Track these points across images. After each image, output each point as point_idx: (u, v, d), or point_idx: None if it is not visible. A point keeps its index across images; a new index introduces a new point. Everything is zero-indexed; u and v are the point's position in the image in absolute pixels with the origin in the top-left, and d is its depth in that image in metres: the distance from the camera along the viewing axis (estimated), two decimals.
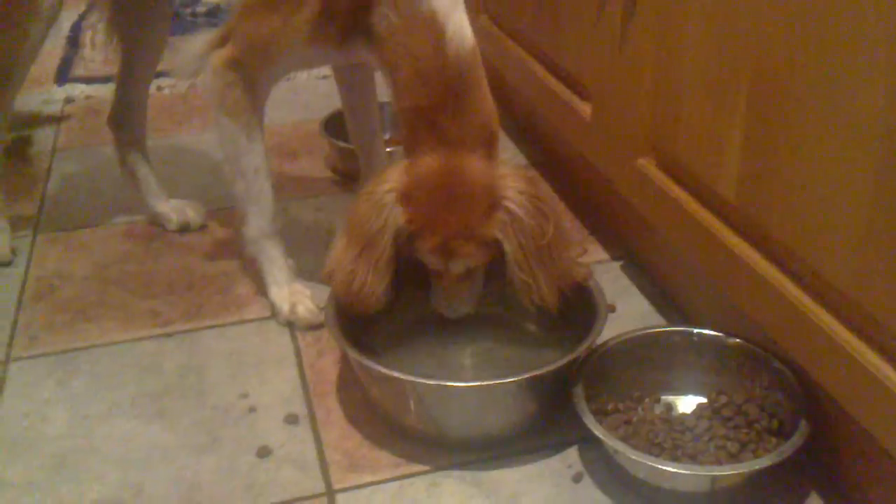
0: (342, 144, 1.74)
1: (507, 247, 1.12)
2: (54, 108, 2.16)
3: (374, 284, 1.13)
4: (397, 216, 1.11)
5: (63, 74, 2.33)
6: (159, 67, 1.60)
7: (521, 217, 1.11)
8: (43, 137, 2.02)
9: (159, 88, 2.21)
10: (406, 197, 1.11)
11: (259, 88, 1.27)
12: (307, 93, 2.18)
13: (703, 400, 1.16)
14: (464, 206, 1.11)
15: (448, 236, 1.12)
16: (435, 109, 1.11)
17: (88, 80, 2.27)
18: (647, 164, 1.27)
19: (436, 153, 1.11)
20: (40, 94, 2.22)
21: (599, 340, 1.15)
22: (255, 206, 1.32)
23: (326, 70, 2.24)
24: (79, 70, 2.36)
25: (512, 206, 1.11)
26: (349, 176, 1.76)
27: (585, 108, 1.44)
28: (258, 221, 1.33)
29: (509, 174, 1.13)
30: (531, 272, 1.12)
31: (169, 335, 1.36)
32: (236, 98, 1.26)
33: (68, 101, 2.20)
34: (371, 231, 1.11)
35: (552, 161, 1.82)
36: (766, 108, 0.99)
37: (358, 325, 1.21)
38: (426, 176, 1.11)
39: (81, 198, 1.75)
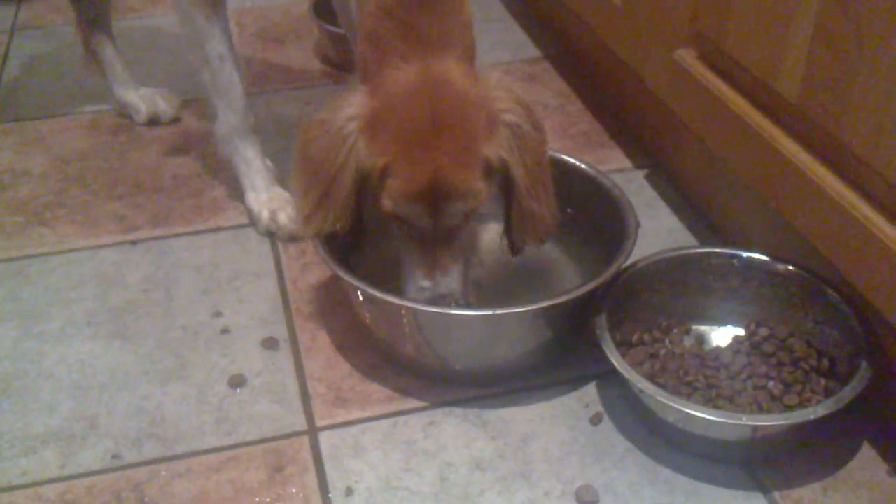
0: (334, 29, 1.59)
1: (515, 169, 0.92)
2: None
3: (334, 229, 0.95)
4: (360, 150, 0.89)
5: None
6: None
7: (525, 132, 0.92)
8: (1, 16, 1.85)
9: None
10: (373, 122, 0.89)
11: None
12: None
13: (740, 332, 1.03)
14: (458, 123, 0.88)
15: (440, 165, 0.87)
16: (407, 6, 0.89)
17: None
18: (686, 57, 1.12)
19: (408, 62, 0.89)
20: None
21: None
22: (223, 98, 1.19)
23: None
24: None
25: (515, 119, 0.91)
26: (341, 66, 1.63)
27: None
28: (228, 116, 1.21)
29: (501, 84, 0.93)
30: (538, 198, 0.95)
31: (134, 243, 1.23)
32: None
33: None
34: (329, 170, 0.91)
35: (569, 53, 1.67)
36: None
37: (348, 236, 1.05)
38: (400, 92, 0.89)
39: (41, 84, 1.61)
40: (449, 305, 0.94)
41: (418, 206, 0.90)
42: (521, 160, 0.92)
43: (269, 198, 1.22)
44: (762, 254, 1.02)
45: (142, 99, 1.46)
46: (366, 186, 0.92)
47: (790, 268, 1.00)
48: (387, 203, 0.90)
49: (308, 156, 0.94)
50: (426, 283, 0.94)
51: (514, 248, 1.01)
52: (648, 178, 1.33)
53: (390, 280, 1.00)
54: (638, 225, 1.03)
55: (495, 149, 0.90)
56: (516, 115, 0.92)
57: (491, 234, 1.14)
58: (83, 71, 1.49)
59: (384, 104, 0.89)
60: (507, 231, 1.00)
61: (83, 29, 1.44)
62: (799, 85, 0.91)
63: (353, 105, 0.90)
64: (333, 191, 0.92)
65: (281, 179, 1.25)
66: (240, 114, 1.20)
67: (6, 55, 1.70)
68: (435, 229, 0.92)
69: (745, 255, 1.02)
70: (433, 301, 0.94)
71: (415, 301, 0.94)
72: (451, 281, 0.95)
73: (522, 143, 0.92)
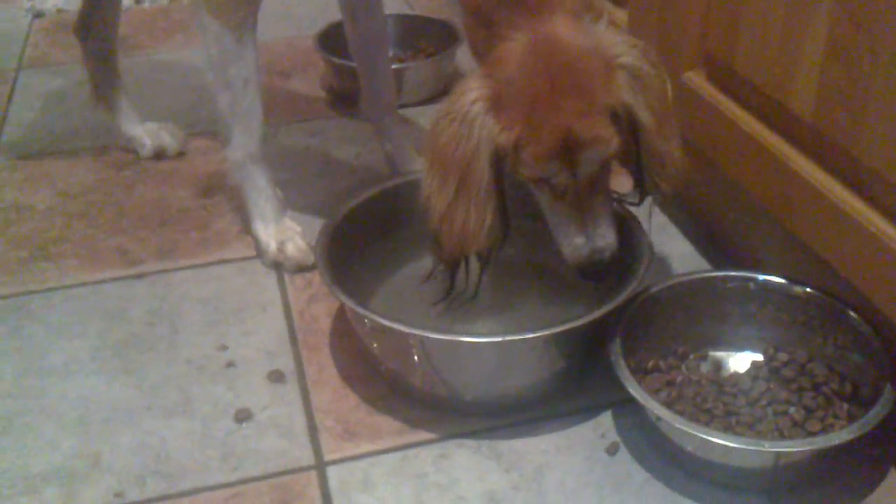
0: (339, 61, 1.58)
1: (640, 111, 0.91)
2: (22, 24, 2.00)
3: (477, 223, 0.92)
4: (491, 128, 0.89)
5: None
6: None
7: (645, 72, 0.91)
8: (7, 54, 1.86)
9: (138, 1, 2.06)
10: (496, 102, 0.89)
11: None
12: (301, 7, 2.01)
13: (759, 357, 1.00)
14: (576, 78, 0.88)
15: (568, 120, 0.88)
16: None
17: None
18: (695, 78, 1.11)
19: (516, 30, 0.89)
20: (6, 6, 2.07)
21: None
22: (241, 123, 1.17)
23: None
24: None
25: (631, 61, 0.91)
26: (346, 97, 1.62)
27: (620, 15, 1.28)
28: (244, 142, 1.18)
29: (611, 31, 0.93)
30: (667, 138, 0.93)
31: (138, 276, 1.21)
32: None
33: (37, 14, 2.05)
34: (462, 160, 0.90)
35: None
36: (861, 4, 0.81)
37: (356, 266, 1.04)
38: (514, 64, 0.89)
39: (46, 120, 1.61)
40: (606, 258, 0.95)
41: (555, 164, 0.90)
42: (644, 101, 0.91)
43: (277, 229, 1.21)
44: (779, 276, 0.99)
45: (147, 133, 1.45)
46: (503, 166, 0.91)
47: (808, 290, 0.97)
48: (525, 170, 0.91)
49: (438, 149, 0.92)
50: (580, 240, 0.95)
51: (650, 191, 1.00)
52: (659, 203, 1.31)
53: (406, 310, 0.99)
54: (652, 251, 1.01)
55: (616, 94, 0.90)
56: (632, 56, 0.91)
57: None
58: (90, 106, 1.48)
59: (502, 79, 0.89)
60: (639, 177, 0.98)
61: (90, 64, 1.44)
62: (812, 102, 0.90)
63: (473, 89, 0.90)
64: (471, 177, 0.90)
65: (288, 209, 1.24)
66: (256, 141, 1.18)
67: (12, 92, 1.69)
68: (576, 184, 0.93)
69: (761, 278, 1.00)
70: (592, 255, 0.95)
71: (575, 259, 0.95)
72: (606, 231, 0.95)
73: (643, 83, 0.91)
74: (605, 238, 0.95)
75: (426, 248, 0.99)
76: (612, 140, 0.90)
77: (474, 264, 0.98)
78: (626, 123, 0.92)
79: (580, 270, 0.97)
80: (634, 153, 0.96)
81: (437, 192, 0.93)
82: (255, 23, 1.12)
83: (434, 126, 0.93)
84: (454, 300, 1.01)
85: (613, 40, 0.91)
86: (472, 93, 0.90)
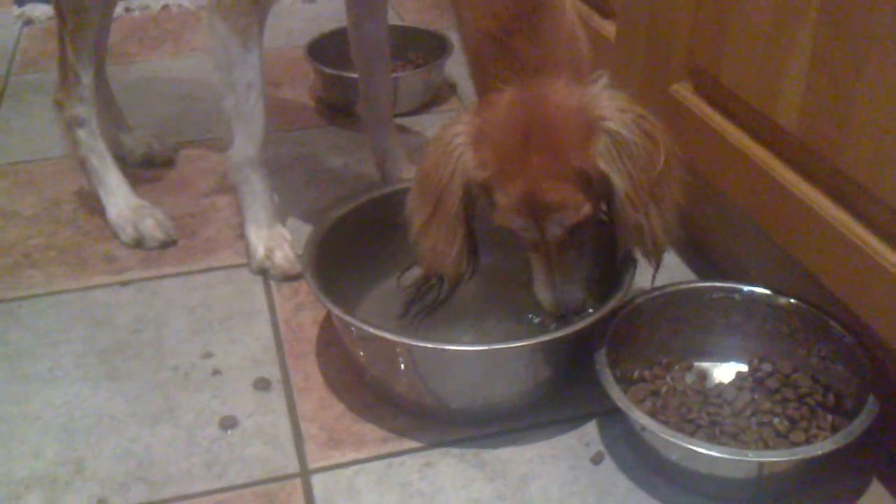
0: (329, 71, 1.59)
1: (616, 179, 0.90)
2: (12, 31, 2.00)
3: (446, 246, 0.94)
4: (467, 161, 0.92)
5: None
6: None
7: (628, 140, 0.89)
8: None
9: (128, 10, 2.06)
10: (478, 138, 0.92)
11: None
12: (291, 18, 2.01)
13: (743, 368, 1.01)
14: (551, 136, 0.89)
15: (534, 179, 0.89)
16: (507, 29, 0.90)
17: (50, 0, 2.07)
18: (682, 90, 1.11)
19: (511, 83, 0.91)
20: None
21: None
22: (243, 126, 1.17)
23: None
24: None
25: (614, 126, 0.89)
26: (335, 106, 1.63)
27: (608, 28, 1.28)
28: (245, 145, 1.18)
29: (604, 93, 0.91)
30: (645, 210, 0.91)
31: (124, 283, 1.21)
32: None
33: (27, 22, 2.04)
34: (439, 183, 0.92)
35: None
36: (848, 14, 0.81)
37: (343, 275, 1.04)
38: (501, 110, 0.91)
39: (35, 127, 1.60)
40: (571, 310, 0.97)
41: (521, 219, 0.92)
42: (623, 169, 0.89)
43: (268, 235, 1.20)
44: (764, 287, 1.00)
45: (136, 141, 1.45)
46: (474, 200, 0.95)
47: (792, 301, 0.98)
48: (496, 216, 0.94)
49: (422, 170, 0.96)
50: (548, 292, 0.97)
51: (625, 259, 1.00)
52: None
53: (392, 318, 1.00)
54: (636, 261, 1.01)
55: (589, 158, 0.89)
56: (617, 122, 0.89)
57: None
58: None
59: (487, 120, 0.92)
60: (616, 241, 0.98)
61: None
62: (797, 114, 0.90)
63: (462, 122, 0.93)
64: (443, 201, 0.93)
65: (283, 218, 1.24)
66: (257, 145, 1.18)
67: (1, 98, 1.69)
68: (546, 240, 0.94)
69: (745, 289, 1.00)
70: (558, 306, 0.97)
71: (543, 302, 0.98)
72: (573, 288, 0.97)
73: (625, 151, 0.89)
74: (572, 295, 0.97)
75: (413, 257, 1.00)
76: (580, 206, 0.91)
77: (445, 284, 1.00)
78: (603, 190, 0.92)
79: (547, 312, 1.00)
80: (610, 217, 0.96)
81: (417, 209, 0.96)
82: (262, 30, 1.13)
83: (426, 149, 0.98)
84: (417, 314, 1.03)
85: (603, 103, 0.90)
86: (459, 126, 0.93)
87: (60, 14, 1.23)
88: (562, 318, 0.98)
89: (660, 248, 0.95)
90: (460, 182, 0.92)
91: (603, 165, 0.89)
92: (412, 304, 1.03)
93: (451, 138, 0.93)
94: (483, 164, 0.91)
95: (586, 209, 0.91)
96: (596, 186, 0.91)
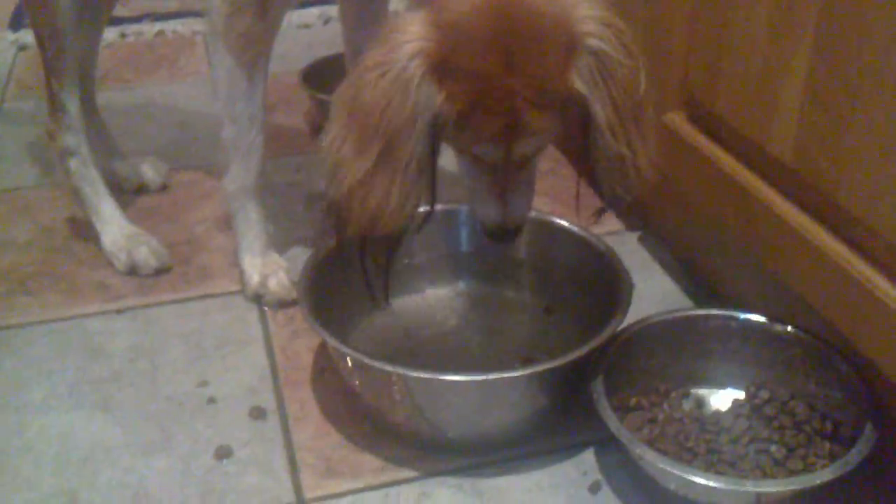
0: (323, 97, 1.57)
1: (597, 106, 0.80)
2: (6, 56, 2.00)
3: (399, 200, 0.80)
4: (432, 95, 0.77)
5: (18, 19, 2.13)
6: (126, 13, 1.41)
7: (613, 61, 0.79)
8: None
9: (123, 36, 2.06)
10: (440, 64, 0.77)
11: (273, 13, 1.07)
12: (286, 42, 2.00)
13: (740, 395, 1.01)
14: (533, 58, 0.77)
15: (516, 109, 0.78)
16: None
17: None
18: (676, 119, 1.12)
19: None
20: None
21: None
22: (241, 157, 1.16)
23: (308, 18, 2.10)
24: None
25: (598, 44, 0.79)
26: None
27: None
28: (241, 175, 1.18)
29: (583, 1, 0.80)
30: (627, 139, 0.82)
31: (119, 311, 1.20)
32: (246, 27, 1.06)
33: (22, 47, 2.03)
34: (391, 123, 0.77)
35: None
36: (842, 45, 0.82)
37: (337, 302, 1.04)
38: (468, 24, 0.76)
39: (29, 154, 1.59)
40: (517, 224, 0.90)
41: (491, 146, 0.83)
42: (606, 94, 0.80)
43: (263, 262, 1.20)
44: (760, 315, 1.00)
45: (130, 168, 1.45)
46: (438, 137, 0.81)
47: (789, 329, 0.98)
48: (457, 144, 0.84)
49: (360, 106, 0.79)
50: (497, 209, 0.89)
51: (605, 198, 0.90)
52: (642, 240, 1.32)
53: (387, 348, 0.98)
54: (632, 287, 1.01)
55: (570, 81, 0.80)
56: (603, 40, 0.79)
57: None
58: None
59: (452, 38, 0.77)
60: (594, 177, 0.88)
61: None
62: (791, 146, 0.91)
63: (413, 39, 0.77)
64: (400, 147, 0.78)
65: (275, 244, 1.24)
66: (254, 176, 1.17)
67: None
68: (507, 163, 0.86)
69: (742, 316, 1.00)
70: (504, 223, 0.90)
71: (487, 222, 0.90)
72: (521, 201, 0.90)
73: (608, 73, 0.80)
74: (520, 208, 0.91)
75: (331, 224, 0.89)
76: (549, 130, 0.83)
77: (379, 246, 0.88)
78: (579, 115, 0.83)
79: (489, 234, 0.93)
80: (587, 148, 0.85)
81: (351, 157, 0.81)
82: (268, 62, 1.13)
83: (358, 74, 0.80)
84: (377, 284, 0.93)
85: (585, 14, 0.80)
86: (412, 45, 0.78)
87: (40, 41, 1.22)
88: (505, 236, 0.92)
89: (642, 180, 0.87)
90: (424, 121, 0.78)
91: (584, 89, 0.80)
92: (368, 284, 0.93)
93: (403, 64, 0.77)
94: (452, 96, 0.78)
95: (553, 134, 0.84)
96: (567, 109, 0.82)
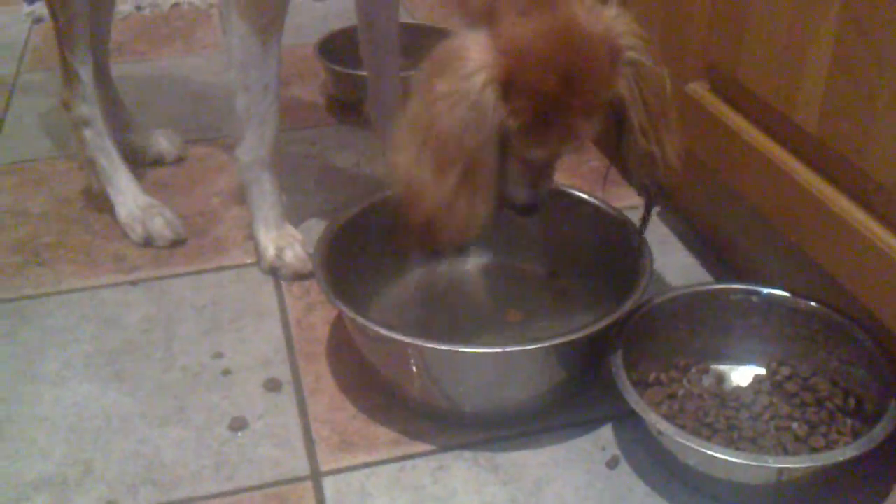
0: (339, 69, 1.57)
1: (632, 111, 0.89)
2: (22, 28, 1.99)
3: (480, 213, 0.88)
4: (503, 116, 0.84)
5: None
6: None
7: (650, 70, 0.88)
8: (7, 59, 1.85)
9: (139, 8, 2.05)
10: (507, 85, 0.83)
11: None
12: (301, 15, 1.99)
13: (761, 371, 0.99)
14: (587, 75, 0.85)
15: (573, 121, 0.86)
16: None
17: None
18: (699, 90, 1.10)
19: (530, 9, 0.83)
20: (7, 11, 2.05)
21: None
22: (255, 127, 1.15)
23: None
24: None
25: (635, 56, 0.87)
26: (345, 104, 1.61)
27: None
28: (256, 145, 1.16)
29: (620, 17, 0.88)
30: (658, 138, 0.90)
31: (134, 283, 1.19)
32: None
33: (37, 20, 2.02)
34: (470, 147, 0.84)
35: None
36: (870, 10, 0.80)
37: (353, 275, 1.03)
38: (528, 44, 0.83)
39: (44, 125, 1.59)
40: (542, 201, 0.98)
41: (543, 150, 0.91)
42: (640, 100, 0.89)
43: (278, 234, 1.19)
44: (782, 290, 0.98)
45: (145, 139, 1.44)
46: (506, 150, 0.89)
47: (812, 304, 0.96)
48: (514, 151, 0.90)
49: (438, 133, 0.84)
50: (527, 193, 0.96)
51: (636, 188, 0.99)
52: (661, 215, 1.30)
53: (405, 319, 0.98)
54: (652, 261, 1.00)
55: (615, 89, 0.88)
56: (639, 51, 0.88)
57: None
58: None
59: (516, 62, 0.83)
60: (627, 170, 0.96)
61: None
62: (817, 114, 0.89)
63: (482, 68, 0.83)
64: (479, 167, 0.85)
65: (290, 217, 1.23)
66: (269, 146, 1.16)
67: (10, 95, 1.68)
68: (549, 161, 0.95)
69: (764, 291, 0.99)
70: (532, 199, 0.97)
71: (517, 200, 0.96)
72: (547, 184, 0.98)
73: (643, 80, 0.88)
74: (545, 191, 0.98)
75: (406, 240, 0.94)
76: (593, 133, 0.90)
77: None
78: (614, 115, 0.91)
79: (518, 210, 0.98)
80: (622, 147, 0.94)
81: (432, 179, 0.86)
82: (282, 29, 1.11)
83: (431, 104, 0.85)
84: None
85: (622, 29, 0.87)
86: (483, 74, 0.83)
87: (52, 10, 1.21)
88: (532, 210, 0.99)
89: (672, 173, 0.94)
90: (497, 140, 0.85)
91: (626, 94, 0.88)
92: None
93: (478, 92, 0.83)
94: (516, 112, 0.85)
95: (595, 135, 0.91)
96: (610, 114, 0.90)
